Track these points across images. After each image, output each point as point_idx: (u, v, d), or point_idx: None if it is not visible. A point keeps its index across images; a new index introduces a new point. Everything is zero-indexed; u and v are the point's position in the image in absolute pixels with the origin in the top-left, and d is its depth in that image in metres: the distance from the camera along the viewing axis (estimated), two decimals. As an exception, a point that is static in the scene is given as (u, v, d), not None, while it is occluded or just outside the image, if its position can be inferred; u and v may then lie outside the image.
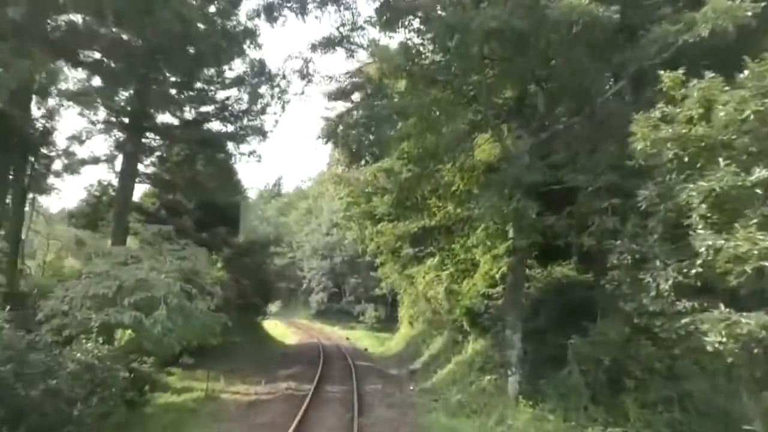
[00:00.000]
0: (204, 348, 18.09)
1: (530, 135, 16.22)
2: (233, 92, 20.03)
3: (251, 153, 21.21)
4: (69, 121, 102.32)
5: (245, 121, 19.97)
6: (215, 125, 20.26)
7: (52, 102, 17.71)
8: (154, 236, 19.41)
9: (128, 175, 18.46)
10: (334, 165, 32.79)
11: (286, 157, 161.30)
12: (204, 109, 19.93)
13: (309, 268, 73.03)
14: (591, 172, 13.53)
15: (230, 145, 20.66)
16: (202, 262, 14.29)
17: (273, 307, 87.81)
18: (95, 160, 19.07)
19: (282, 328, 46.77)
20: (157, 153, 20.40)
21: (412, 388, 20.54)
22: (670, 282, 9.19)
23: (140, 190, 23.56)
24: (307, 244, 74.26)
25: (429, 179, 19.25)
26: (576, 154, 14.59)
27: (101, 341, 11.92)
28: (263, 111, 20.07)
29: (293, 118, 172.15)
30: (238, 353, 23.59)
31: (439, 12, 15.46)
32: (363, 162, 24.95)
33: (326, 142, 19.51)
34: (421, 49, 16.78)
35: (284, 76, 19.91)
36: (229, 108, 19.63)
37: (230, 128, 20.04)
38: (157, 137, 19.67)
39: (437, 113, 15.51)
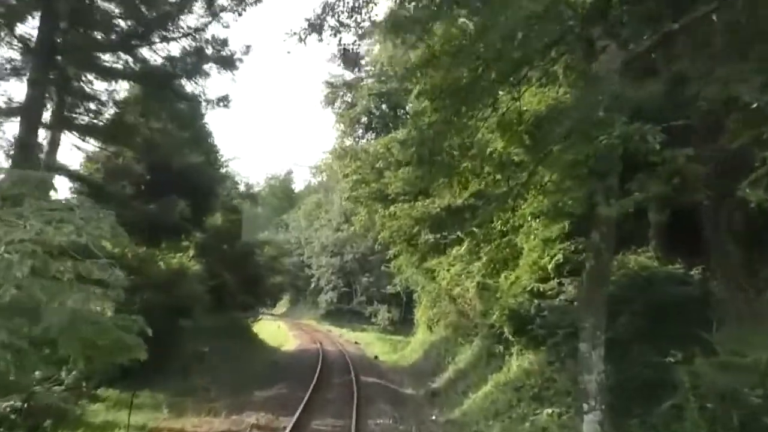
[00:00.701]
0: (163, 358, 12.77)
1: (621, 47, 10.56)
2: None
3: (220, 100, 15.66)
4: None
5: (201, 42, 14.44)
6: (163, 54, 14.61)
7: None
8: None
9: (35, 115, 12.95)
10: (339, 139, 27.24)
11: (298, 150, 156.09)
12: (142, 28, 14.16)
13: (318, 266, 67.64)
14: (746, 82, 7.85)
15: (189, 86, 15.22)
16: (104, 231, 8.70)
17: (280, 307, 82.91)
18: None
19: (282, 332, 41.42)
20: (94, 100, 14.95)
21: (434, 417, 14.92)
22: None
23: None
24: (315, 240, 68.87)
25: (461, 131, 13.67)
26: (711, 59, 8.85)
27: None
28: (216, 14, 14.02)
29: (304, 109, 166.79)
30: (213, 366, 18.25)
31: None
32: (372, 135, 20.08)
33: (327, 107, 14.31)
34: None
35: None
36: (177, 22, 14.04)
37: (178, 50, 14.35)
38: (87, 75, 14.31)
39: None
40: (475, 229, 18.50)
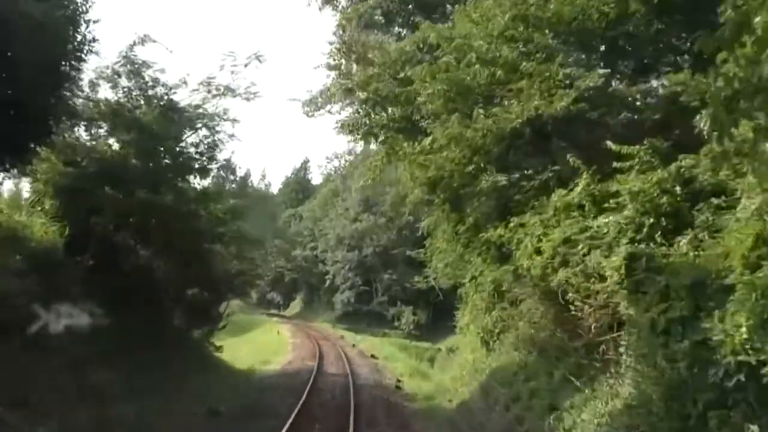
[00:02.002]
0: None
1: None
2: None
3: None
4: None
5: None
6: None
7: None
8: None
9: None
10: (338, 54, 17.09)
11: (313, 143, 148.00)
12: None
13: (333, 261, 57.93)
14: None
15: None
16: None
17: (293, 308, 73.56)
18: None
19: (279, 340, 31.77)
20: None
21: None
22: None
23: None
24: (331, 231, 59.19)
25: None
26: None
27: None
28: None
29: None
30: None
31: None
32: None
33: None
34: None
35: None
36: None
37: None
38: None
39: None
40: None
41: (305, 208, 69.33)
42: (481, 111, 10.93)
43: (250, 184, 72.46)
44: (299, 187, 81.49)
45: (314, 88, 16.69)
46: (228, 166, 70.08)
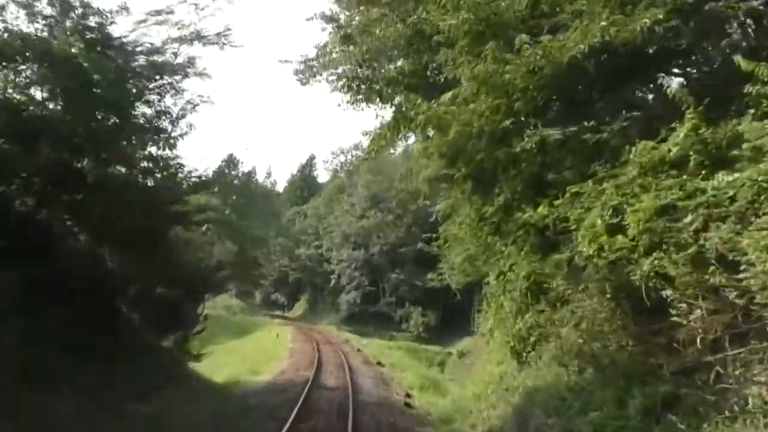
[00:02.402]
0: None
1: None
2: None
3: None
4: None
5: None
6: None
7: None
8: None
9: None
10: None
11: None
12: None
13: (338, 260, 55.03)
14: None
15: None
16: None
17: (297, 309, 70.64)
18: None
19: (276, 344, 28.78)
20: None
21: None
22: None
23: None
24: (336, 228, 56.31)
25: None
26: None
27: None
28: None
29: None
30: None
31: None
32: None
33: None
34: None
35: None
36: None
37: None
38: None
39: None
40: None
41: (310, 206, 66.34)
42: (525, 39, 7.89)
43: (254, 181, 69.68)
44: (304, 184, 78.63)
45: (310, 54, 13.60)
46: (231, 160, 67.63)
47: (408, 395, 16.37)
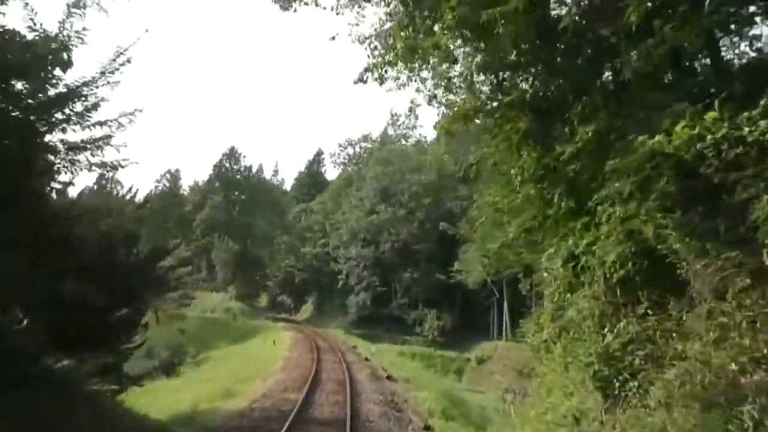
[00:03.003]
0: None
1: None
2: None
3: None
4: None
5: None
6: None
7: None
8: None
9: None
10: None
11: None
12: None
13: (346, 259, 50.81)
14: None
15: None
16: None
17: (304, 312, 66.55)
18: None
19: (268, 355, 24.46)
20: None
21: None
22: None
23: None
24: (343, 225, 52.12)
25: None
26: None
27: None
28: None
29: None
30: None
31: None
32: None
33: None
34: None
35: None
36: None
37: None
38: None
39: None
40: None
41: (316, 202, 62.24)
42: None
43: (259, 177, 65.71)
44: (312, 181, 74.53)
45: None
46: (232, 154, 63.57)
47: (428, 428, 12.05)
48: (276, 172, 78.92)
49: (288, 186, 79.11)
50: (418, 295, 48.88)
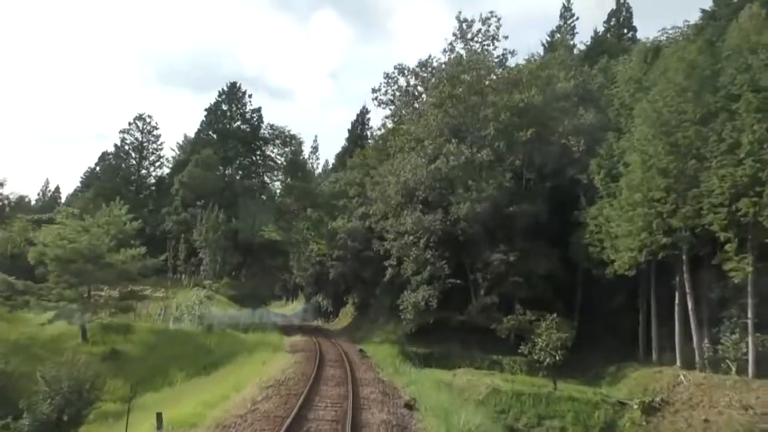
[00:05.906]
0: None
1: None
2: None
3: None
4: None
5: None
6: None
7: None
8: None
9: None
10: None
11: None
12: None
13: (396, 234, 31.97)
14: None
15: None
16: None
17: (343, 317, 48.48)
18: None
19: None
20: None
21: None
22: None
23: None
24: (392, 180, 33.17)
25: None
26: None
27: None
28: None
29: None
30: None
31: None
32: None
33: None
34: None
35: None
36: None
37: None
38: None
39: None
40: None
41: (355, 158, 43.50)
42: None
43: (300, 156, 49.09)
44: (355, 147, 56.33)
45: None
46: (232, 94, 46.60)
47: None
48: (315, 149, 61.85)
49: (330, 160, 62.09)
50: (511, 289, 29.64)
